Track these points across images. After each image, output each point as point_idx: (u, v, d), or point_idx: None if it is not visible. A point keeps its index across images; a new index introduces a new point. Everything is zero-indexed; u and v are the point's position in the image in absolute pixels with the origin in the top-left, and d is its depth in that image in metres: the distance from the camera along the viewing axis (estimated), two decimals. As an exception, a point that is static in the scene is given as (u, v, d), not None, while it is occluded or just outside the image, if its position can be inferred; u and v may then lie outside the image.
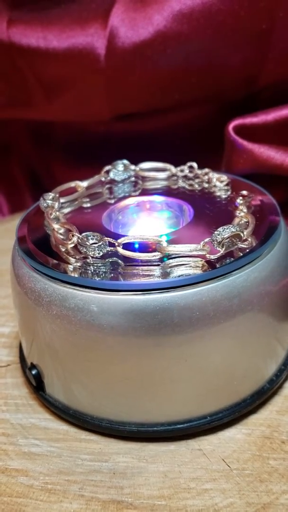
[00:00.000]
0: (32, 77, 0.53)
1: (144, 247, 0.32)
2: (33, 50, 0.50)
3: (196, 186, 0.40)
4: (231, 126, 0.44)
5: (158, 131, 0.58)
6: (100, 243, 0.32)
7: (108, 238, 0.32)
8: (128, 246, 0.32)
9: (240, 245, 0.31)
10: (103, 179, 0.43)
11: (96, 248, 0.32)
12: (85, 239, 0.32)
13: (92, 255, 0.32)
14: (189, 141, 0.56)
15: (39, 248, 0.34)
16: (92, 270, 0.31)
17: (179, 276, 0.29)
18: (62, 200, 0.40)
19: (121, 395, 0.32)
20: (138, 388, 0.31)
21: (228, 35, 0.46)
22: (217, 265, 0.30)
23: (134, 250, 0.32)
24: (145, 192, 0.41)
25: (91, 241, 0.32)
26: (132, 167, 0.43)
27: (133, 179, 0.43)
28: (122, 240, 0.32)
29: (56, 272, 0.31)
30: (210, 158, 0.47)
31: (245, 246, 0.31)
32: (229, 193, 0.39)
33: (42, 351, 0.34)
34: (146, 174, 0.43)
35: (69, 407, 0.34)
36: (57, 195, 0.40)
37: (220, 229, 0.31)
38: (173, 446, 0.33)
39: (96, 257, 0.32)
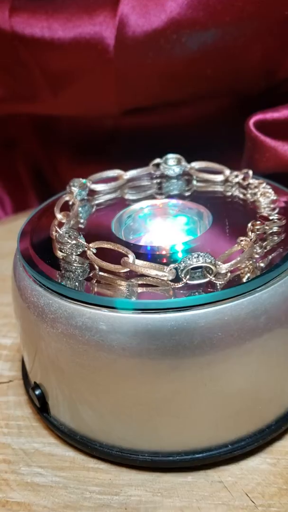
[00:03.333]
0: (37, 70, 0.50)
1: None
2: (37, 40, 0.48)
3: (249, 196, 0.36)
4: (251, 121, 0.41)
5: (170, 126, 0.55)
6: (73, 242, 0.30)
7: (82, 241, 0.30)
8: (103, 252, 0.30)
9: (213, 279, 0.27)
10: (152, 171, 0.40)
11: (68, 248, 0.30)
12: (64, 235, 0.30)
13: (66, 253, 0.30)
14: (204, 137, 0.53)
15: (43, 259, 0.30)
16: (66, 269, 0.30)
17: (196, 292, 0.26)
18: (101, 188, 0.39)
19: (133, 422, 0.29)
20: (152, 414, 0.28)
21: (247, 22, 0.43)
22: (185, 295, 0.26)
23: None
24: (197, 193, 0.38)
25: (72, 240, 0.30)
26: (184, 163, 0.40)
27: (186, 177, 0.40)
28: (94, 245, 0.29)
29: (61, 286, 0.28)
30: (227, 156, 0.44)
31: (219, 282, 0.27)
32: (273, 212, 0.33)
33: (46, 370, 0.31)
34: (200, 174, 0.39)
35: (76, 432, 0.31)
36: (89, 182, 0.38)
37: (190, 256, 0.27)
38: (190, 477, 0.30)
39: (74, 256, 0.30)
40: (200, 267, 0.27)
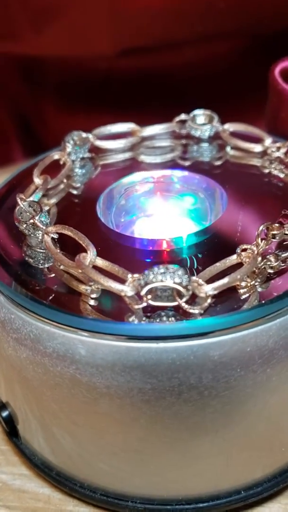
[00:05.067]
0: (15, 1, 0.46)
1: None
2: None
3: None
4: (277, 70, 0.33)
5: (174, 71, 0.48)
6: (29, 222, 0.24)
7: (39, 222, 0.23)
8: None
9: (185, 306, 0.19)
10: (176, 130, 0.33)
11: (25, 229, 0.24)
12: (26, 209, 0.24)
13: (24, 233, 0.24)
14: (213, 85, 0.46)
15: (7, 255, 0.24)
16: (28, 255, 0.24)
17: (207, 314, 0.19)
18: (108, 146, 0.32)
19: (122, 465, 0.23)
20: (146, 460, 0.22)
21: None
22: (190, 318, 0.19)
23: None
24: (229, 165, 0.30)
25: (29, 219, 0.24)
26: (216, 123, 0.32)
27: (219, 141, 0.32)
28: (52, 229, 0.23)
29: (26, 299, 0.21)
30: (243, 111, 0.38)
31: (192, 310, 0.19)
32: None
33: (13, 391, 0.25)
34: (233, 140, 0.31)
35: (51, 466, 0.25)
36: (93, 138, 0.31)
37: (154, 269, 0.19)
38: (193, 528, 0.24)
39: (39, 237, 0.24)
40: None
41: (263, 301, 0.20)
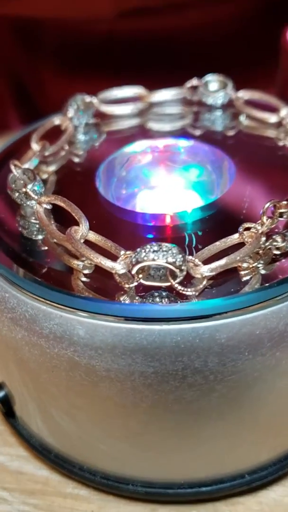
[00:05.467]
0: None
1: None
2: None
3: None
4: (289, 33, 0.31)
5: (177, 34, 0.47)
6: (22, 190, 0.22)
7: (30, 191, 0.22)
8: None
9: (177, 287, 0.18)
10: (187, 96, 0.31)
11: (17, 197, 0.23)
12: (20, 177, 0.22)
13: (17, 202, 0.23)
14: (219, 48, 0.45)
15: (1, 228, 0.22)
16: (22, 226, 0.23)
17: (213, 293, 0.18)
18: (115, 111, 0.30)
19: (122, 448, 0.22)
20: (148, 445, 0.21)
21: None
22: (195, 298, 0.18)
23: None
24: (241, 135, 0.28)
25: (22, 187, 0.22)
26: (230, 90, 0.30)
27: (232, 109, 0.30)
28: (45, 199, 0.22)
29: (21, 277, 0.20)
30: (251, 77, 0.36)
31: (187, 291, 0.18)
32: None
33: (8, 370, 0.24)
34: (247, 109, 0.29)
35: (49, 448, 0.24)
36: (98, 102, 0.30)
37: (147, 247, 0.18)
38: (195, 511, 0.23)
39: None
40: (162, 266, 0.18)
41: (273, 282, 0.19)
